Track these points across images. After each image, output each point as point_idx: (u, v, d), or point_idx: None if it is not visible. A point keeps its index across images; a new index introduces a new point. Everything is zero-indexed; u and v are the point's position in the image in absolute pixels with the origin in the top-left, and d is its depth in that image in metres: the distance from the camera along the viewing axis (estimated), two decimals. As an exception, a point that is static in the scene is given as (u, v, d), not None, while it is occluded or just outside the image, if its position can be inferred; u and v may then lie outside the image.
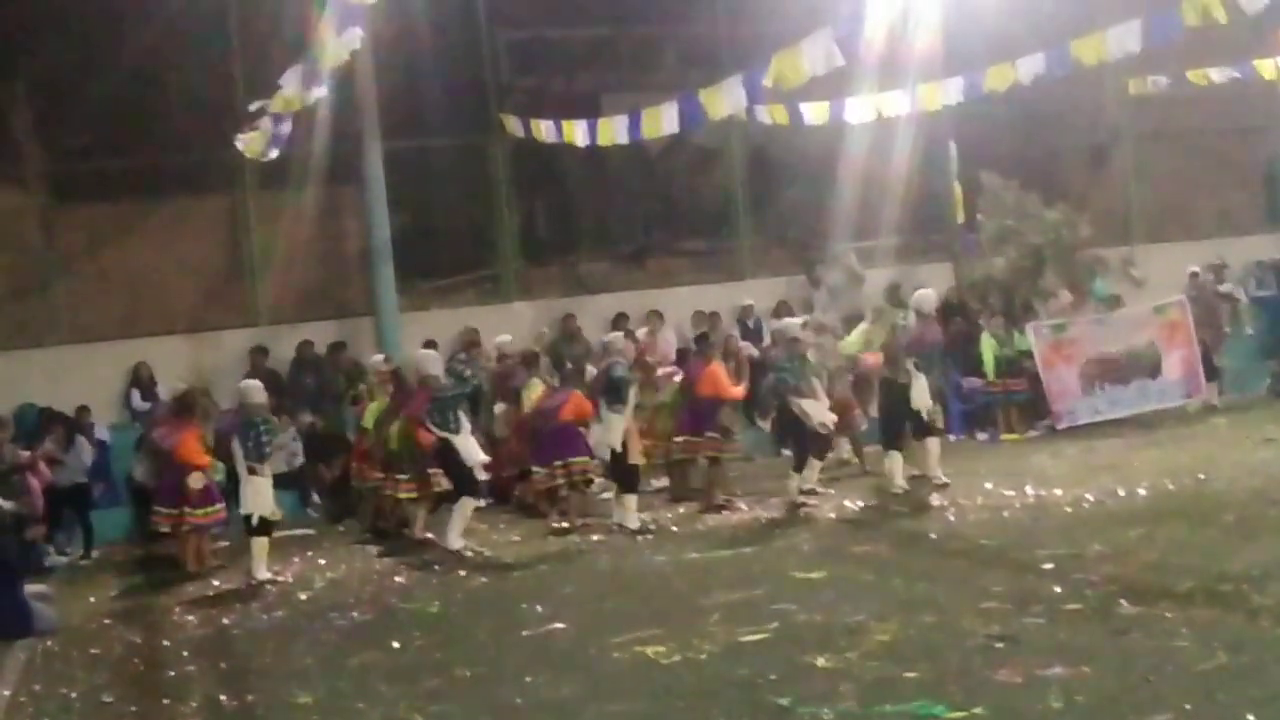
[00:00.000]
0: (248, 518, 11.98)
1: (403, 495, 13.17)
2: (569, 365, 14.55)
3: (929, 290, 14.08)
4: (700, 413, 13.32)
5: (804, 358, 13.07)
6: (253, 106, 13.30)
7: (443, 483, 12.69)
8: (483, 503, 13.46)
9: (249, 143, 14.08)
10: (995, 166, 18.24)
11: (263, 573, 11.82)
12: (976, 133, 18.42)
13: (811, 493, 13.04)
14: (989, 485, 12.74)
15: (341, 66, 12.85)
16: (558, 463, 12.92)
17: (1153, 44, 13.03)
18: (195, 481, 12.54)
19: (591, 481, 13.41)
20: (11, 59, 16.71)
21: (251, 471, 11.90)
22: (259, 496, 11.91)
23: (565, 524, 12.92)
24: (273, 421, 12.33)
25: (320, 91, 12.94)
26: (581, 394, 13.16)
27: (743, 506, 13.19)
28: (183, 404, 13.12)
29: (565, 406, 13.01)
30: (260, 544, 11.94)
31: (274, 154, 14.34)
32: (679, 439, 13.52)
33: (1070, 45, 13.96)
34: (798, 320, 13.97)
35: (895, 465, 13.10)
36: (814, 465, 13.20)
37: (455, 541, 12.16)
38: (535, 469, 13.16)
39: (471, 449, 12.32)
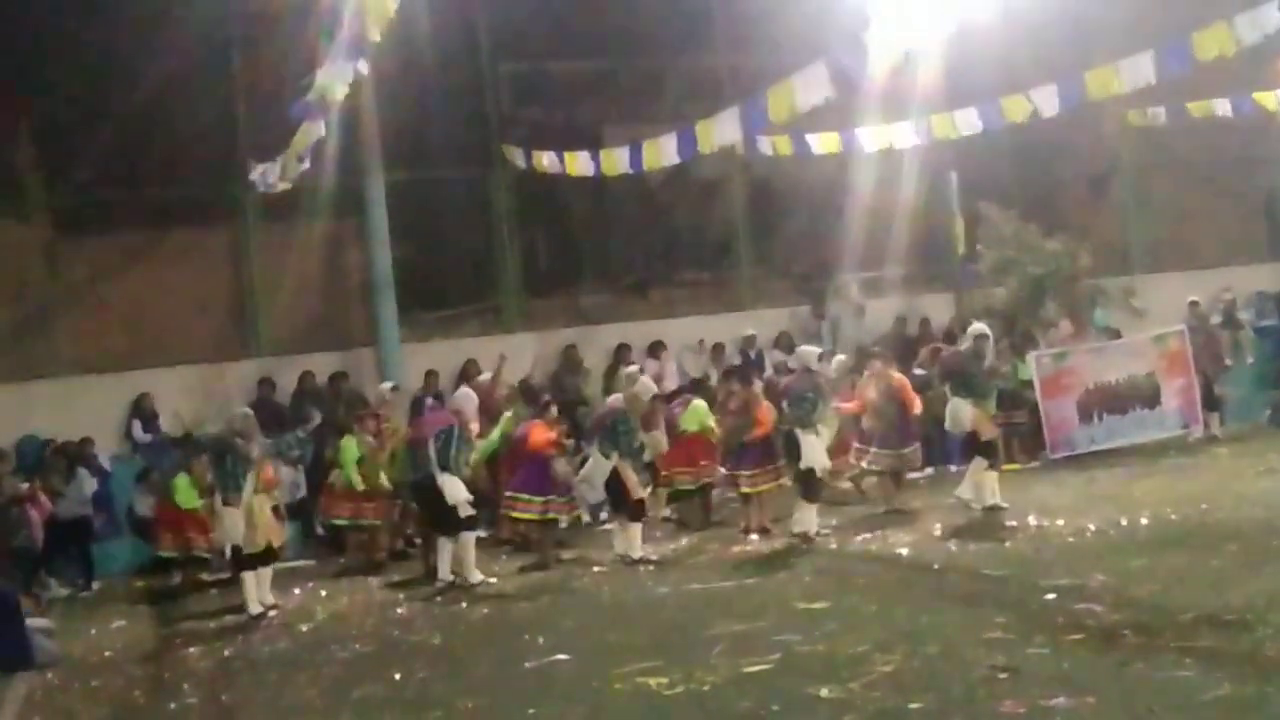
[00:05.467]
0: (235, 550, 11.88)
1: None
2: (545, 398, 14.43)
3: (982, 325, 14.01)
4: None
5: (820, 389, 12.97)
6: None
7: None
8: (481, 533, 13.32)
9: (269, 174, 14.16)
10: (996, 197, 18.31)
11: (255, 607, 11.77)
12: (977, 164, 18.49)
13: (804, 536, 12.62)
14: (991, 515, 12.71)
15: (343, 99, 12.87)
16: (554, 496, 12.94)
17: (1164, 76, 13.04)
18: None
19: (556, 521, 13.37)
20: (16, 93, 16.76)
21: (225, 503, 11.75)
22: (226, 527, 11.79)
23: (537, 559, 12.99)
24: (251, 455, 11.99)
25: (318, 130, 12.93)
26: (542, 425, 13.13)
27: (753, 538, 13.15)
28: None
29: (527, 437, 13.02)
30: (247, 578, 11.85)
31: (284, 187, 14.40)
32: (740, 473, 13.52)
33: (1084, 77, 13.99)
34: (815, 350, 13.84)
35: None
36: (805, 508, 12.79)
37: (444, 573, 12.07)
38: (523, 496, 13.05)
39: (456, 488, 12.10)
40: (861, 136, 16.47)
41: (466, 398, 12.94)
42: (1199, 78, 14.28)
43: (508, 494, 13.16)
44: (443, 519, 12.17)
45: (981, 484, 13.05)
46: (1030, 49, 15.97)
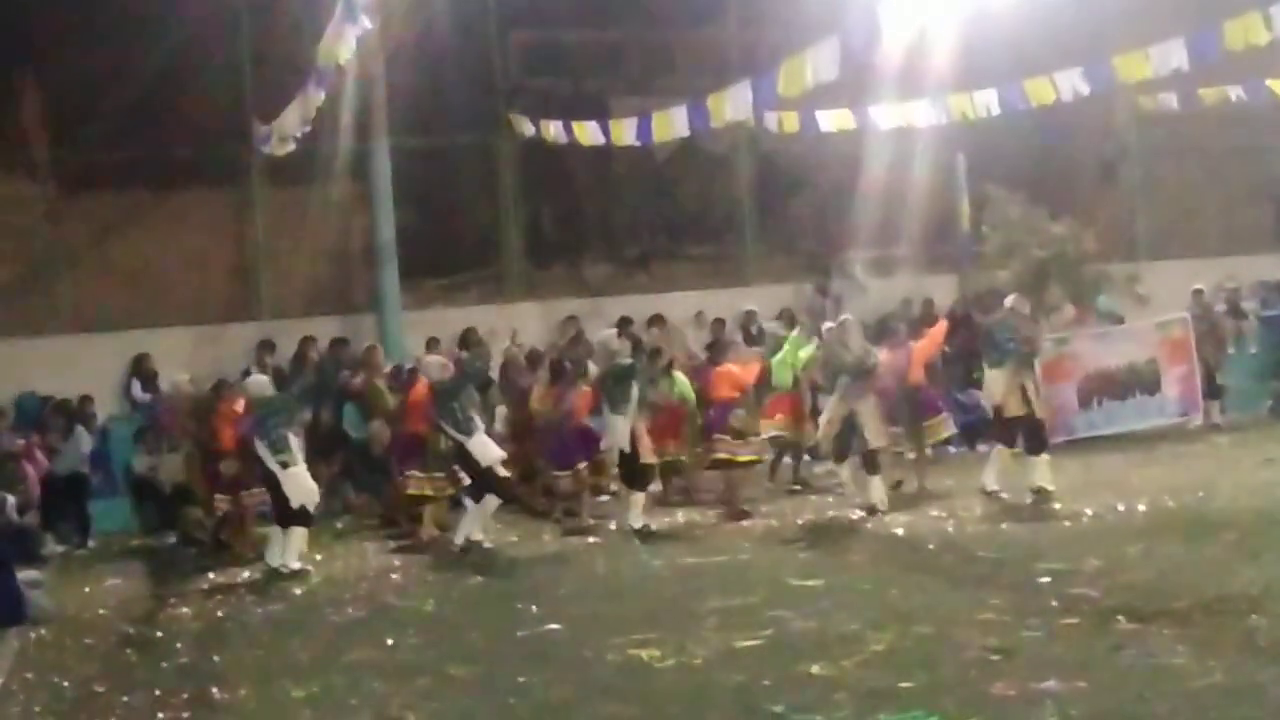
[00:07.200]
0: (291, 509, 11.94)
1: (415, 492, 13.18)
2: (568, 366, 14.49)
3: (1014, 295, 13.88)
4: (720, 418, 13.29)
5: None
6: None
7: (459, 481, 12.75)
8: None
9: (273, 138, 14.13)
10: (1003, 179, 18.21)
11: (298, 563, 11.87)
12: (985, 146, 18.41)
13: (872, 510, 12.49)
14: (990, 498, 12.69)
15: (349, 64, 12.83)
16: (582, 465, 13.04)
17: (1195, 63, 12.91)
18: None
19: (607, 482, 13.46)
20: (22, 48, 16.69)
21: (284, 465, 11.87)
22: (302, 486, 11.93)
23: (577, 522, 12.99)
24: (277, 403, 12.23)
25: (319, 95, 12.88)
26: (587, 394, 13.28)
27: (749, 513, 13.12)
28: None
29: (579, 406, 13.15)
30: (299, 533, 12.00)
31: (287, 150, 14.38)
32: (698, 448, 13.48)
33: (1113, 61, 13.89)
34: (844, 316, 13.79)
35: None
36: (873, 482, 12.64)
37: (460, 538, 12.10)
38: (558, 472, 13.18)
39: (486, 449, 12.16)
40: (872, 115, 16.39)
41: (436, 366, 12.84)
42: (1212, 63, 14.19)
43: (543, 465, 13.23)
44: (482, 482, 12.25)
45: (993, 466, 12.92)
46: (1046, 30, 15.86)
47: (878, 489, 12.65)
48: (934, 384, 14.36)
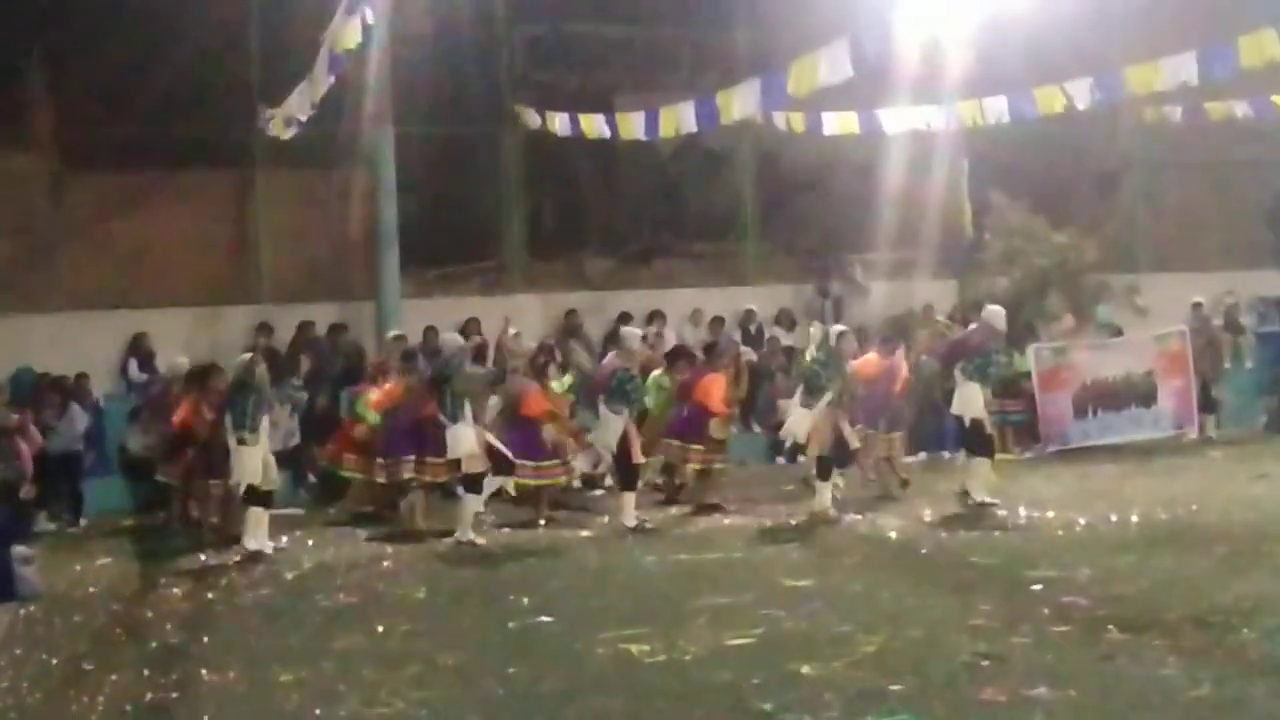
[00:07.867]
0: (249, 488, 11.95)
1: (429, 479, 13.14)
2: (542, 360, 14.41)
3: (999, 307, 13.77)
4: (693, 420, 13.29)
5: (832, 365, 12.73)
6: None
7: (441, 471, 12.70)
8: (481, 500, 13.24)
9: (272, 121, 14.12)
10: (1006, 187, 18.25)
11: (256, 543, 11.84)
12: (988, 152, 18.43)
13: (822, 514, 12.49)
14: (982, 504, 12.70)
15: (356, 50, 12.81)
16: (545, 461, 12.96)
17: (1207, 78, 12.89)
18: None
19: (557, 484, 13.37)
20: (27, 25, 16.67)
21: (240, 441, 11.88)
22: (247, 465, 11.88)
23: (543, 520, 12.97)
24: (264, 392, 12.22)
25: (326, 80, 12.88)
26: (539, 390, 13.14)
27: (731, 509, 13.16)
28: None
29: (524, 400, 13.01)
30: (254, 514, 11.96)
31: (291, 134, 14.37)
32: (668, 441, 13.48)
33: (1124, 72, 13.87)
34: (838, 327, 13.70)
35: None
36: (823, 487, 12.63)
37: (465, 533, 12.04)
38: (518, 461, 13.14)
39: (458, 441, 12.04)
40: (879, 118, 16.39)
41: (450, 344, 12.88)
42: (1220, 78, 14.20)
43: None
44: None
45: (981, 478, 12.93)
46: (1057, 40, 15.87)
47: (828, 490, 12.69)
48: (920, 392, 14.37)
